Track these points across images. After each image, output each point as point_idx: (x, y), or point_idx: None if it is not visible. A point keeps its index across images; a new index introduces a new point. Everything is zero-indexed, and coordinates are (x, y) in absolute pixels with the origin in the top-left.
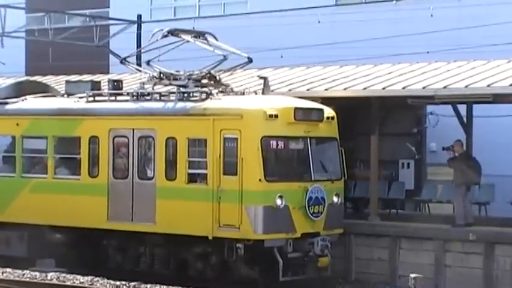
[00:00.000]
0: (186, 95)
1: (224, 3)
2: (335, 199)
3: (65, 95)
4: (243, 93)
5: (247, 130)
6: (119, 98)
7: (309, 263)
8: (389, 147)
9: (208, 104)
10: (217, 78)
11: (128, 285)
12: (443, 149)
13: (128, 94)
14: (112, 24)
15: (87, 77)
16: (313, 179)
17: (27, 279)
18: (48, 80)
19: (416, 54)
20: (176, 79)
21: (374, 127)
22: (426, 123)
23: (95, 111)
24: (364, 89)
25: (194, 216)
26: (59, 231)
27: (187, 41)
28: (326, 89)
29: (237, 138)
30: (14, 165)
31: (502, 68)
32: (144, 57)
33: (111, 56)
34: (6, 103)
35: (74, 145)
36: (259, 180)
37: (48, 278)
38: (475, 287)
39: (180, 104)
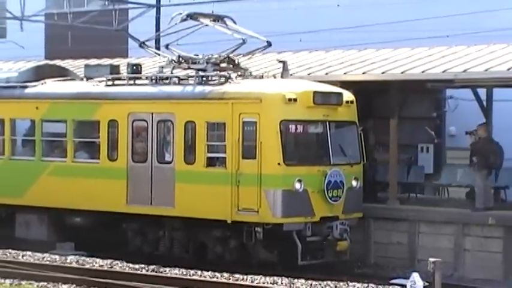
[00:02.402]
0: (204, 78)
1: None
2: (354, 183)
3: (84, 79)
4: (262, 77)
5: (266, 114)
6: (137, 81)
7: (327, 246)
8: (408, 131)
9: (227, 87)
10: (236, 62)
11: (146, 268)
12: (467, 133)
13: (146, 78)
14: (131, 8)
15: (106, 61)
16: (332, 162)
17: (47, 263)
18: (67, 63)
19: (435, 38)
20: (195, 63)
21: (393, 111)
22: (445, 107)
23: (113, 95)
24: (383, 73)
25: (213, 200)
26: (78, 214)
27: (206, 25)
28: (345, 73)
29: (256, 122)
30: (33, 148)
31: None
32: (163, 41)
33: (130, 39)
34: (26, 87)
35: (93, 129)
36: (278, 164)
37: (68, 261)
38: (495, 271)
39: (199, 88)
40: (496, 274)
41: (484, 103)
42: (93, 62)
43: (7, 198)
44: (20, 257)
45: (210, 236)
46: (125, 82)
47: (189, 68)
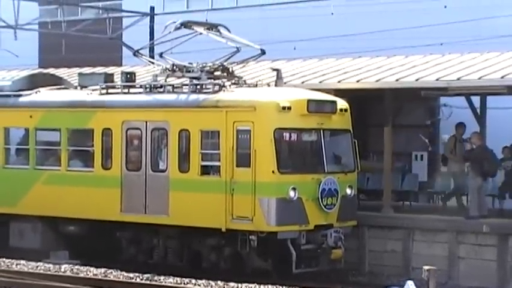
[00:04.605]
0: (199, 87)
1: None
2: (348, 191)
3: (78, 87)
4: (256, 85)
5: (260, 122)
6: (131, 90)
7: (322, 255)
8: (403, 139)
9: (221, 96)
10: (230, 70)
11: (141, 277)
12: (461, 141)
13: (140, 86)
14: (125, 17)
15: (100, 70)
16: (326, 171)
17: (41, 271)
18: (61, 72)
19: (429, 46)
20: (189, 71)
21: (387, 119)
22: (439, 115)
23: (108, 103)
24: (377, 81)
25: (207, 208)
26: (72, 223)
27: (200, 33)
28: (339, 81)
29: (250, 130)
30: (27, 157)
31: None
32: (157, 50)
33: (124, 48)
34: (20, 95)
35: (87, 137)
36: (272, 172)
37: (62, 269)
38: (489, 279)
39: (193, 96)
40: (490, 282)
41: (478, 111)
42: (87, 70)
43: (1, 207)
44: (13, 266)
45: (205, 245)
46: (119, 90)
47: (183, 76)
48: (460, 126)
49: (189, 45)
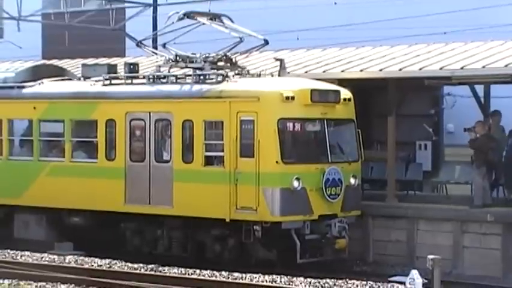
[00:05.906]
0: (202, 77)
1: None
2: (352, 181)
3: (82, 79)
4: (260, 75)
5: (264, 112)
6: (135, 81)
7: (326, 244)
8: (406, 129)
9: (225, 86)
10: (234, 60)
11: (145, 268)
12: (465, 130)
13: (144, 77)
14: (128, 7)
15: (103, 60)
16: (330, 160)
17: (46, 263)
18: (64, 63)
19: (433, 35)
20: (192, 62)
21: (391, 108)
22: (443, 104)
23: (111, 94)
24: (381, 70)
25: (211, 198)
26: (76, 214)
27: (203, 24)
28: (342, 71)
29: (253, 121)
30: (31, 149)
31: None
32: (160, 40)
33: (127, 39)
34: (23, 87)
35: (90, 128)
36: (276, 162)
37: (67, 261)
38: (493, 267)
39: (197, 87)
40: (494, 271)
41: (482, 100)
42: (91, 61)
43: (5, 198)
44: (18, 257)
45: (209, 235)
46: (122, 81)
47: (186, 66)
48: (495, 113)
49: (192, 36)
